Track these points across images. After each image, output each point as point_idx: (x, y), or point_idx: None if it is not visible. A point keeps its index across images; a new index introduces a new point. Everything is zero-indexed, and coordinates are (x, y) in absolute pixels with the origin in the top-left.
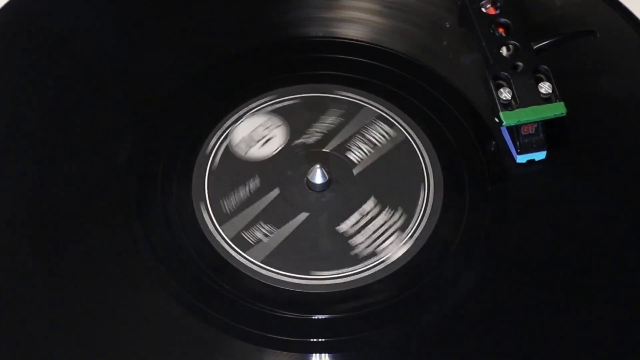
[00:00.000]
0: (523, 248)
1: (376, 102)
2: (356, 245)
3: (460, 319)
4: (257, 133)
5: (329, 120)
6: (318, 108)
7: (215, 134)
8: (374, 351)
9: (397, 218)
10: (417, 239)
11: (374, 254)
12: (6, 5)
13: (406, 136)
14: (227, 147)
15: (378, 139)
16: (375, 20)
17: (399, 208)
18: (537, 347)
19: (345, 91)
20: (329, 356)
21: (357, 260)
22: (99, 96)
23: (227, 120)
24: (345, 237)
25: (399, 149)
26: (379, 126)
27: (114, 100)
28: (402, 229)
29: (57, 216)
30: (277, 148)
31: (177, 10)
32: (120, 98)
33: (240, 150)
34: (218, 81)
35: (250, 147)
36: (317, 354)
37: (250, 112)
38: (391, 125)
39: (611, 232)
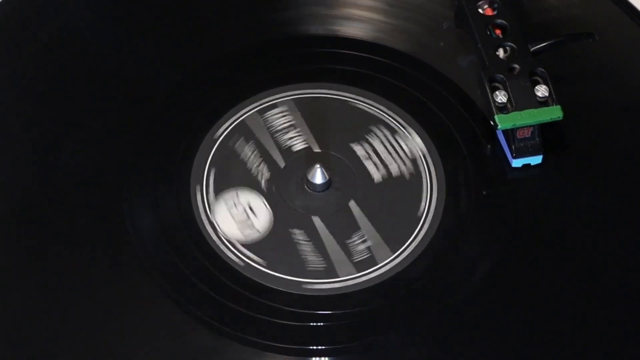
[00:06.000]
0: (519, 252)
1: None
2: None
3: (459, 322)
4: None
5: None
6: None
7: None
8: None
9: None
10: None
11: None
12: (3, 2)
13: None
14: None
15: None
16: (376, 18)
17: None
18: (536, 348)
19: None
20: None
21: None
22: (96, 94)
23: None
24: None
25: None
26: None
27: (112, 97)
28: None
29: (50, 214)
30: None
31: (177, 9)
32: (118, 95)
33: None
34: (217, 80)
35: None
36: (317, 357)
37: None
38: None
39: (607, 236)
